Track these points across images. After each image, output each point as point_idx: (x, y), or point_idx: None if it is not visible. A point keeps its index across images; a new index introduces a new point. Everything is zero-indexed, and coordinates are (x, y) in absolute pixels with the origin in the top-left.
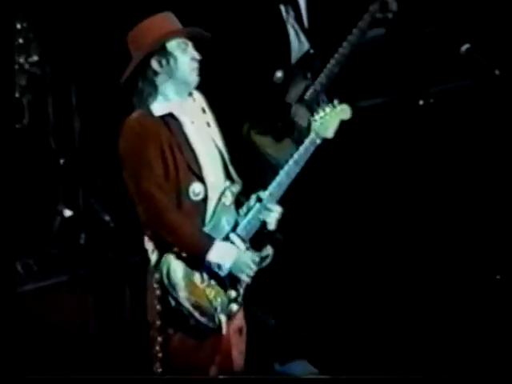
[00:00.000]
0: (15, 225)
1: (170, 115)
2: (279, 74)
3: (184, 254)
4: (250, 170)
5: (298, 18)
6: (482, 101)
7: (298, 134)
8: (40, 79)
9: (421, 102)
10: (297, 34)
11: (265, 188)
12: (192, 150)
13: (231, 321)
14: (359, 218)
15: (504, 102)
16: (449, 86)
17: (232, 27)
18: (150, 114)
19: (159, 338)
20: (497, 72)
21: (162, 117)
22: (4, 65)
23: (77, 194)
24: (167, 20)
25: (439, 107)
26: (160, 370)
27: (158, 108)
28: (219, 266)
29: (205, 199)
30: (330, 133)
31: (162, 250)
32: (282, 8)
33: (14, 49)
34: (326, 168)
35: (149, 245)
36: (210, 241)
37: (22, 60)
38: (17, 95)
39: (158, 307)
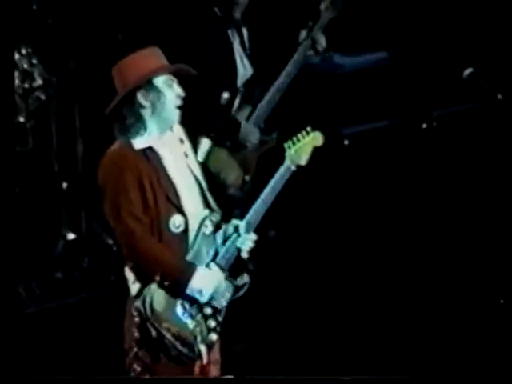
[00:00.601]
0: (18, 248)
1: (150, 148)
2: (226, 95)
3: (166, 283)
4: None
5: (242, 43)
6: (485, 125)
7: (244, 156)
8: (44, 103)
9: (424, 126)
10: (241, 59)
11: (241, 216)
12: (171, 183)
13: (211, 351)
14: (363, 236)
15: (506, 126)
16: (452, 109)
17: (183, 49)
18: (130, 146)
19: (136, 366)
20: (499, 96)
21: (142, 150)
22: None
23: (79, 218)
24: (154, 55)
25: (442, 131)
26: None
27: (139, 141)
28: (200, 292)
29: (185, 230)
30: (303, 160)
31: (144, 281)
32: (230, 33)
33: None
34: (329, 189)
35: (130, 275)
36: (192, 267)
37: (26, 85)
38: (21, 119)
39: (137, 335)
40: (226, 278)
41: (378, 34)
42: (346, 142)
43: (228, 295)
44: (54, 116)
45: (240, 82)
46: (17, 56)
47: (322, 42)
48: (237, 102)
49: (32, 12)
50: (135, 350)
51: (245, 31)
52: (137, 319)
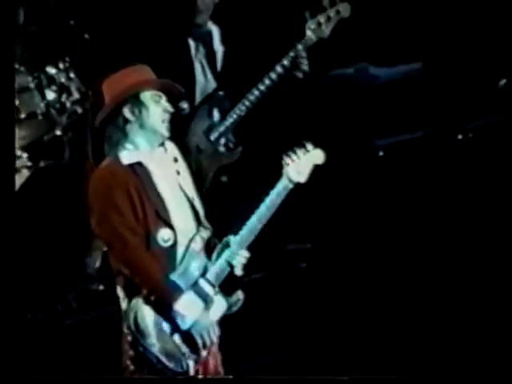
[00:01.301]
0: (54, 261)
1: (139, 164)
2: (185, 105)
3: (152, 298)
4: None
5: (210, 57)
6: None
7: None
8: (81, 117)
9: (460, 137)
10: (203, 71)
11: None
12: (160, 198)
13: (201, 365)
14: (396, 245)
15: None
16: (487, 120)
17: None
18: (118, 161)
19: None
20: None
21: (131, 165)
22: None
23: None
24: (142, 71)
25: (478, 142)
26: None
27: (127, 156)
28: (182, 318)
29: (174, 245)
30: (302, 177)
31: (131, 296)
32: (192, 43)
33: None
34: (364, 199)
35: (120, 293)
36: (178, 291)
37: (63, 99)
38: (58, 133)
39: (131, 352)
40: (216, 294)
41: (412, 46)
42: (381, 154)
43: (212, 334)
44: (90, 129)
45: (199, 93)
46: (54, 70)
47: (304, 65)
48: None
49: (69, 27)
50: (131, 368)
51: (220, 48)
52: (129, 337)
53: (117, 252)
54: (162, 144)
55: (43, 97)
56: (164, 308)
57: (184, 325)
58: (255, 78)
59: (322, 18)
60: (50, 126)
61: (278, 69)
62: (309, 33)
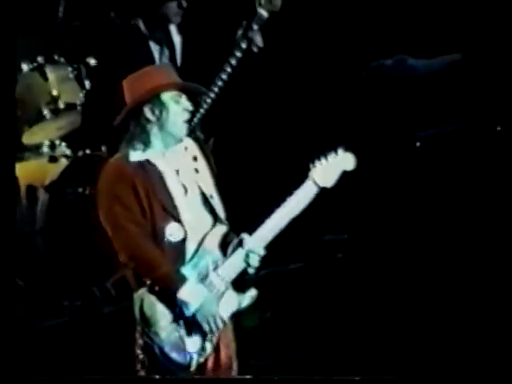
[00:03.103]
0: (93, 249)
1: (147, 161)
2: None
3: (156, 288)
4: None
5: (172, 57)
6: None
7: None
8: None
9: (498, 128)
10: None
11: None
12: (169, 194)
13: (222, 333)
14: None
15: None
16: None
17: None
18: (127, 158)
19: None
20: None
21: (139, 162)
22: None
23: None
24: (165, 71)
25: None
26: None
27: (137, 154)
28: (186, 305)
29: (183, 240)
30: (329, 182)
31: (139, 286)
32: (154, 47)
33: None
34: (401, 191)
35: (131, 283)
36: (182, 278)
37: None
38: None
39: (140, 341)
40: (227, 289)
41: (451, 37)
42: (418, 144)
43: (219, 322)
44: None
45: None
46: (93, 61)
47: (259, 41)
48: None
49: (109, 19)
50: (141, 357)
51: (178, 44)
52: (139, 327)
53: (121, 244)
54: (181, 141)
55: (82, 87)
56: (168, 297)
57: (188, 311)
58: (216, 66)
59: None
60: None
61: (237, 53)
62: (260, 9)
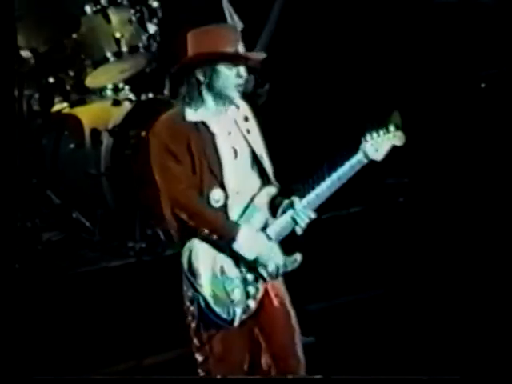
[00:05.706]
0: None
1: (202, 123)
2: None
3: (209, 238)
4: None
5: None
6: None
7: None
8: None
9: None
10: (230, 14)
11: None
12: (218, 158)
13: (249, 315)
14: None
15: None
16: None
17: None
18: (183, 116)
19: (196, 341)
20: None
21: (194, 122)
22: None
23: None
24: (232, 37)
25: None
26: (202, 373)
27: (192, 113)
28: (247, 250)
29: (224, 206)
30: (379, 156)
31: (186, 237)
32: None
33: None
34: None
35: (175, 236)
36: (236, 226)
37: None
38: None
39: (189, 293)
40: (275, 250)
41: None
42: (483, 85)
43: (274, 265)
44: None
45: None
46: (156, 3)
47: None
48: None
49: None
50: (191, 309)
51: None
52: (189, 293)
53: (173, 196)
54: (233, 103)
55: (145, 30)
56: (223, 247)
57: (249, 255)
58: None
59: None
60: (152, 59)
61: None
62: None
